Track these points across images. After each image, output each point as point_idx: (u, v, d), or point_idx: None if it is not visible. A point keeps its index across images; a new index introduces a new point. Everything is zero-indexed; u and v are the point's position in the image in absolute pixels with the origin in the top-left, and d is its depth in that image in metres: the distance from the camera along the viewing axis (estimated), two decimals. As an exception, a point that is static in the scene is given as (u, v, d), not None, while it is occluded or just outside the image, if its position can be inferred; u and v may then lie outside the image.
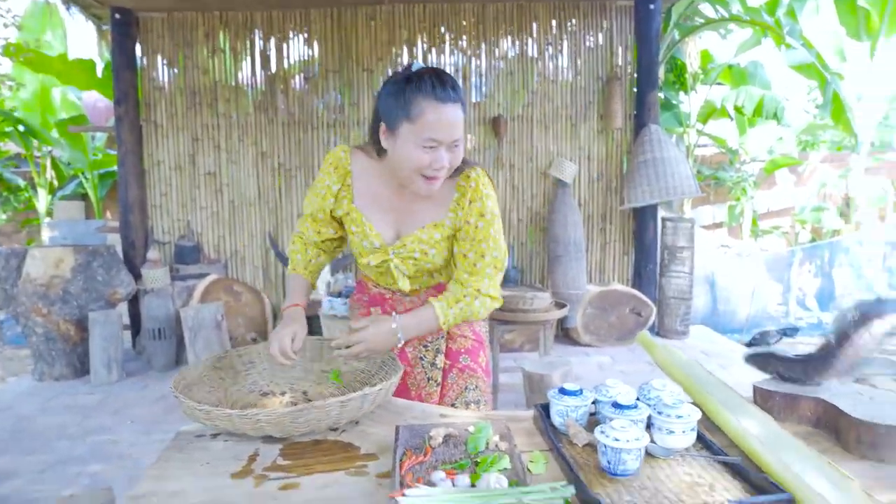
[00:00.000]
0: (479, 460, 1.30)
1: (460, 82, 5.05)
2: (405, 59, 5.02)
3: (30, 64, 5.74)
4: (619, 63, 5.10)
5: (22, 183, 6.88)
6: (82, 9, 5.05)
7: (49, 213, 6.62)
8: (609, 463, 1.20)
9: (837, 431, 1.33)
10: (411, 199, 1.63)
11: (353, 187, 1.65)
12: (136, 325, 5.08)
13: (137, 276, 4.93)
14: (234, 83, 5.06)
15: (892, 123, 7.25)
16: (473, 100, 5.12)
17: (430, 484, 1.20)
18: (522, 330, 4.44)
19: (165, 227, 5.18)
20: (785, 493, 1.09)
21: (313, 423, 1.39)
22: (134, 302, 5.02)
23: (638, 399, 1.45)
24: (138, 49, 5.02)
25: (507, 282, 5.04)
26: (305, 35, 5.04)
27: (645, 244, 5.19)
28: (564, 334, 5.13)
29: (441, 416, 1.63)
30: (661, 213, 5.86)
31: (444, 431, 1.44)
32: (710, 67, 6.39)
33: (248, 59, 5.05)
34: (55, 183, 6.92)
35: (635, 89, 5.07)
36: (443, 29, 5.04)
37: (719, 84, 6.58)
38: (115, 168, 5.93)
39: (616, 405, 1.36)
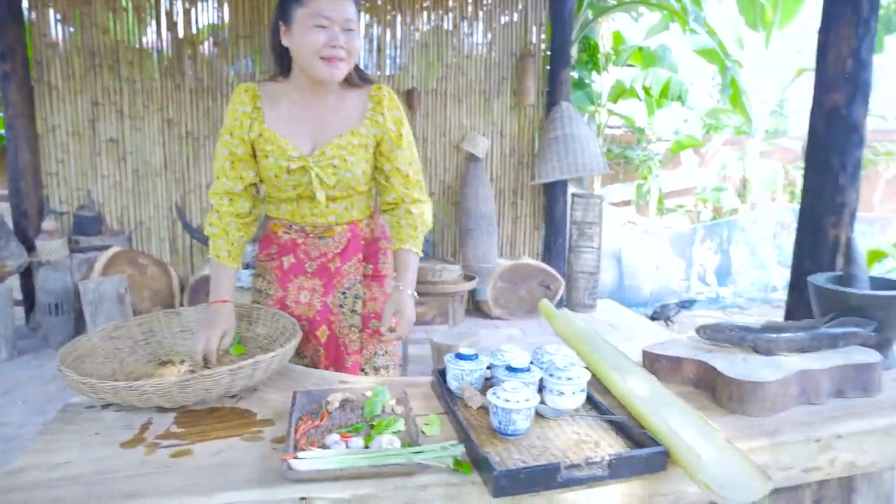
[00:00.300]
0: (374, 423, 1.34)
1: (375, 53, 5.01)
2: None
3: None
4: (533, 41, 5.18)
5: None
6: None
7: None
8: (500, 423, 1.26)
9: (714, 389, 1.45)
10: (324, 110, 1.70)
11: (263, 110, 1.69)
12: (30, 301, 4.79)
13: (31, 248, 4.65)
14: (138, 45, 4.79)
15: (785, 111, 7.75)
16: (388, 72, 5.08)
17: (325, 447, 1.23)
18: (433, 303, 4.50)
19: (63, 197, 4.89)
20: (660, 446, 1.18)
21: (202, 392, 1.38)
22: (27, 275, 4.73)
23: (532, 363, 1.52)
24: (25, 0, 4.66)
25: (420, 256, 5.08)
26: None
27: (555, 219, 5.35)
28: (476, 308, 5.24)
29: (340, 382, 1.65)
30: (572, 189, 6.05)
31: (341, 396, 1.47)
32: (621, 49, 6.61)
33: (154, 20, 4.79)
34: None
35: (548, 67, 5.18)
36: (359, -2, 4.95)
37: (630, 65, 6.82)
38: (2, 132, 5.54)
39: (509, 368, 1.42)
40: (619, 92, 6.49)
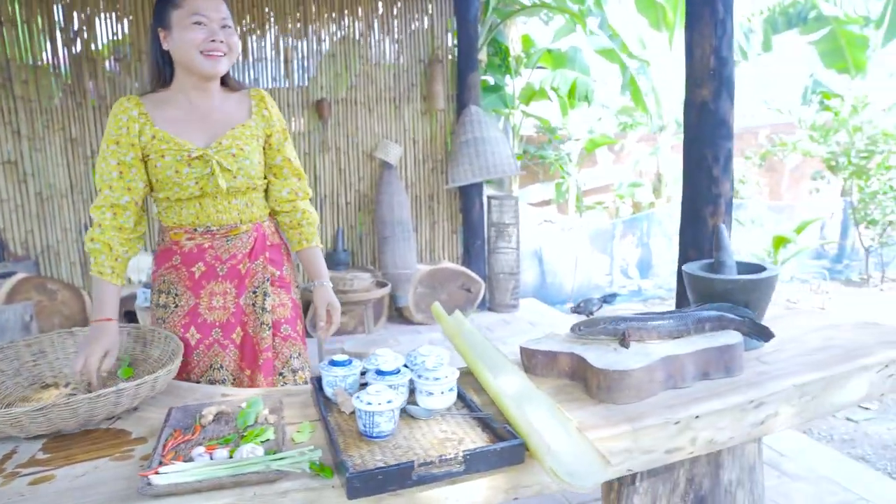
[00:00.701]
0: (244, 434, 1.37)
1: (282, 66, 5.02)
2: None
3: None
4: (440, 46, 5.28)
5: None
6: None
7: None
8: (364, 426, 1.30)
9: (585, 381, 1.52)
10: (211, 109, 1.79)
11: (150, 115, 1.74)
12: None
13: (-74, 279, 4.44)
14: (32, 63, 4.64)
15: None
16: (297, 83, 5.08)
17: (190, 460, 1.25)
18: (349, 312, 4.54)
19: (-40, 224, 4.69)
20: (518, 438, 1.25)
21: (59, 422, 1.36)
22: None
23: (405, 365, 1.58)
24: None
25: (337, 264, 5.09)
26: (116, 13, 4.73)
27: (472, 222, 5.46)
28: (399, 314, 5.29)
29: (222, 395, 1.68)
30: (489, 191, 6.19)
31: (215, 410, 1.49)
32: (532, 51, 6.80)
33: (48, 36, 4.65)
34: None
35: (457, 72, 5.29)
36: (266, 9, 4.95)
37: (542, 67, 7.02)
38: None
39: (379, 372, 1.47)
40: (530, 94, 6.67)
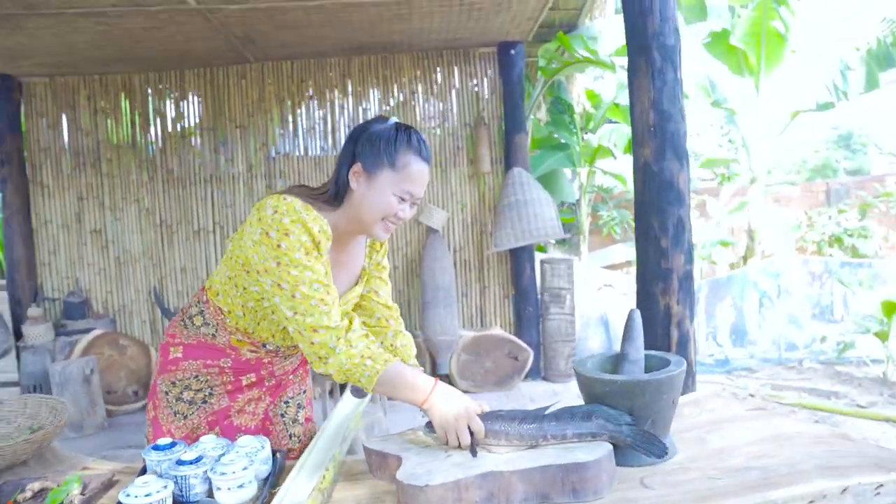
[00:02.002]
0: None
1: (329, 136, 5.25)
2: (276, 116, 5.21)
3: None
4: (486, 108, 5.27)
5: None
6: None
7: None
8: None
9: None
10: (349, 258, 1.68)
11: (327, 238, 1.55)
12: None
13: (21, 335, 5.02)
14: (115, 143, 5.23)
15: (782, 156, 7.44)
16: (345, 151, 5.28)
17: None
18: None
19: (55, 285, 5.28)
20: None
21: None
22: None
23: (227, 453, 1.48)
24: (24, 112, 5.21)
25: (384, 327, 5.12)
26: (179, 94, 5.25)
27: (522, 287, 5.29)
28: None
29: (83, 468, 1.71)
30: (546, 255, 5.99)
31: (38, 486, 1.51)
32: (599, 106, 6.60)
33: (128, 120, 5.23)
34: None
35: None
36: (310, 84, 5.24)
37: (614, 122, 6.78)
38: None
39: (179, 462, 1.43)
40: (593, 151, 6.44)
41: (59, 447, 1.88)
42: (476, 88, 5.29)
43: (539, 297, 5.35)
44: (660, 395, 1.40)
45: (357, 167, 1.51)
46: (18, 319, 5.12)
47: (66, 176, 5.24)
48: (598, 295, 5.92)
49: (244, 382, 1.73)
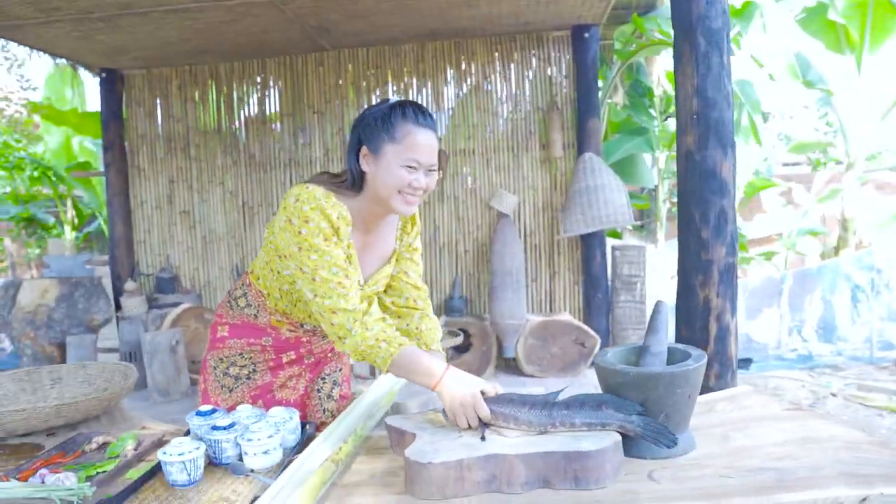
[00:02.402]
0: (88, 465, 1.54)
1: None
2: (351, 101, 5.36)
3: (48, 118, 6.52)
4: (558, 92, 5.20)
5: (51, 221, 7.77)
6: (87, 68, 5.71)
7: (76, 248, 7.43)
8: (165, 474, 1.40)
9: None
10: (376, 239, 1.73)
11: (349, 222, 1.60)
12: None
13: (120, 306, 5.46)
14: (203, 129, 5.55)
15: (885, 141, 6.84)
16: (417, 136, 5.36)
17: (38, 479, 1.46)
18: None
19: (149, 261, 5.71)
20: None
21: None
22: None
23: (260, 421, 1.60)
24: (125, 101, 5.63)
25: (452, 311, 5.20)
26: (261, 82, 5.49)
27: (592, 273, 5.21)
28: (507, 364, 5.22)
29: (142, 428, 1.88)
30: (616, 241, 5.86)
31: (102, 439, 1.69)
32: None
33: (214, 107, 5.54)
34: (76, 221, 7.75)
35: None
36: (385, 70, 5.35)
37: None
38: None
39: (214, 427, 1.55)
40: (673, 135, 6.19)
41: (128, 408, 2.06)
42: (549, 72, 5.22)
43: (609, 283, 5.26)
44: (673, 388, 1.38)
45: (364, 150, 1.58)
46: (118, 292, 5.57)
47: (159, 160, 5.62)
48: (671, 283, 5.75)
49: (284, 360, 1.83)
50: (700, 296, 2.15)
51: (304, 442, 1.59)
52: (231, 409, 1.80)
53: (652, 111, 6.30)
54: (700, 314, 2.14)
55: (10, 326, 5.12)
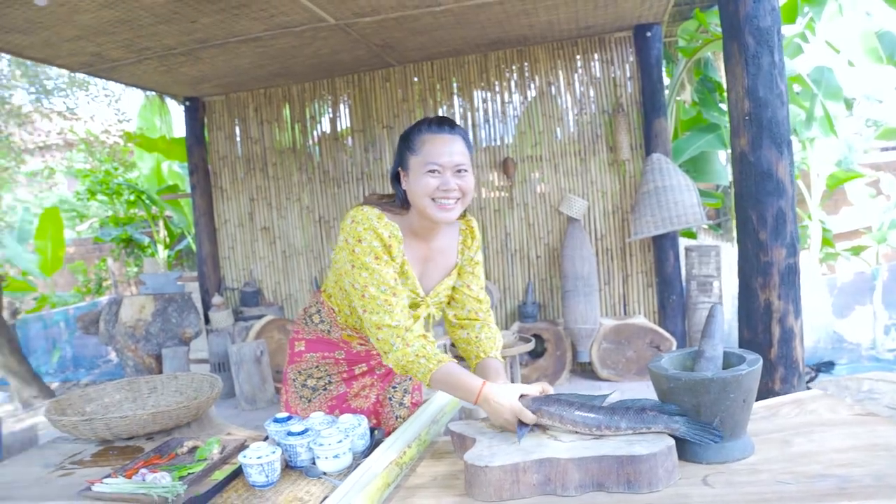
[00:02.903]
0: (181, 466, 1.70)
1: (470, 130, 5.43)
2: (418, 114, 5.49)
3: (140, 146, 7.02)
4: (623, 94, 5.15)
5: (146, 241, 8.34)
6: (172, 97, 6.13)
7: (168, 265, 7.95)
8: (246, 476, 1.54)
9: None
10: (434, 251, 1.79)
11: (401, 239, 1.68)
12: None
13: (209, 320, 5.80)
14: (279, 149, 5.84)
15: None
16: (483, 145, 5.44)
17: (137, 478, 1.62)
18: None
19: (234, 276, 6.04)
20: None
21: (103, 432, 1.87)
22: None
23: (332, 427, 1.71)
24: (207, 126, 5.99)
25: (525, 317, 5.23)
26: (331, 100, 5.72)
27: (666, 275, 5.12)
28: (582, 368, 5.19)
29: (227, 434, 2.04)
30: (690, 241, 5.72)
31: (192, 444, 1.85)
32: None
33: (289, 126, 5.81)
34: (167, 241, 8.29)
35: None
36: (451, 81, 5.45)
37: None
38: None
39: (289, 433, 1.67)
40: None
41: (217, 416, 2.23)
42: (613, 74, 5.19)
43: (685, 285, 5.15)
44: (726, 393, 1.39)
45: (401, 172, 1.70)
46: (206, 306, 5.92)
47: (240, 180, 5.95)
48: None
49: (356, 372, 1.94)
50: (761, 298, 2.11)
51: (373, 446, 1.68)
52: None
53: (722, 106, 6.12)
54: (762, 317, 2.09)
55: (115, 340, 5.53)
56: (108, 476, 1.61)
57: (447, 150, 1.63)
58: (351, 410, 1.93)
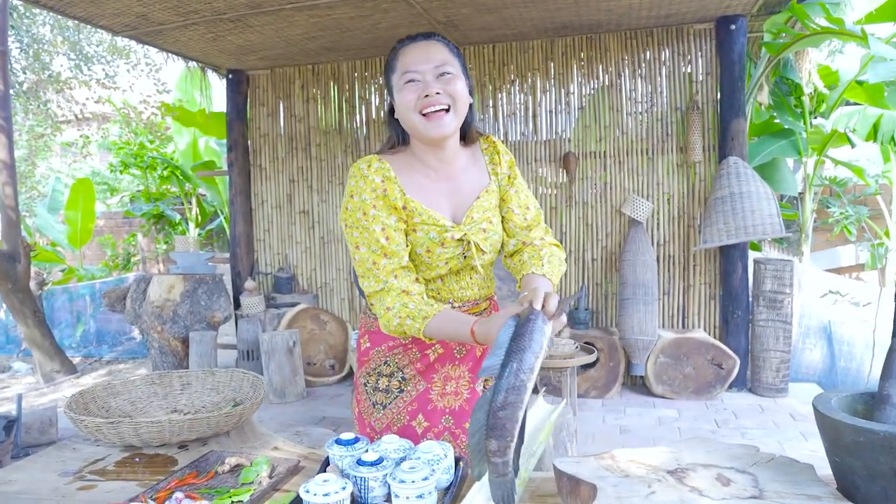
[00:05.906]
0: (227, 490, 1.39)
1: (529, 120, 5.08)
2: (475, 100, 5.14)
3: (178, 119, 6.77)
4: (699, 91, 4.76)
5: (177, 218, 8.11)
6: (215, 70, 5.86)
7: (199, 244, 7.72)
8: None
9: None
10: (451, 174, 1.59)
11: (399, 180, 1.51)
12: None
13: (239, 304, 5.53)
14: (324, 128, 5.54)
15: None
16: (543, 137, 5.08)
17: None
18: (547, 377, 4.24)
19: (268, 260, 5.76)
20: None
21: (130, 438, 1.60)
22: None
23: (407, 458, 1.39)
24: (250, 102, 5.71)
25: (577, 323, 4.88)
26: (382, 80, 5.39)
27: (732, 288, 4.73)
28: (633, 382, 4.83)
29: (274, 449, 1.73)
30: (759, 254, 5.31)
31: (235, 461, 1.54)
32: (833, 86, 5.67)
33: (336, 106, 5.50)
34: (199, 219, 8.05)
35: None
36: (511, 67, 5.10)
37: (854, 104, 5.81)
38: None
39: (359, 462, 1.36)
40: (824, 138, 5.54)
41: (257, 423, 1.92)
42: (689, 69, 4.79)
43: (750, 300, 4.76)
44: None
45: (394, 105, 1.56)
46: (237, 290, 5.65)
47: (280, 160, 5.66)
48: (821, 302, 5.14)
49: (431, 358, 1.63)
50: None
51: (459, 482, 1.36)
52: (388, 429, 1.64)
53: (798, 110, 5.69)
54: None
55: (141, 319, 5.29)
56: (136, 500, 1.30)
57: (423, 55, 1.50)
58: (438, 412, 1.61)
